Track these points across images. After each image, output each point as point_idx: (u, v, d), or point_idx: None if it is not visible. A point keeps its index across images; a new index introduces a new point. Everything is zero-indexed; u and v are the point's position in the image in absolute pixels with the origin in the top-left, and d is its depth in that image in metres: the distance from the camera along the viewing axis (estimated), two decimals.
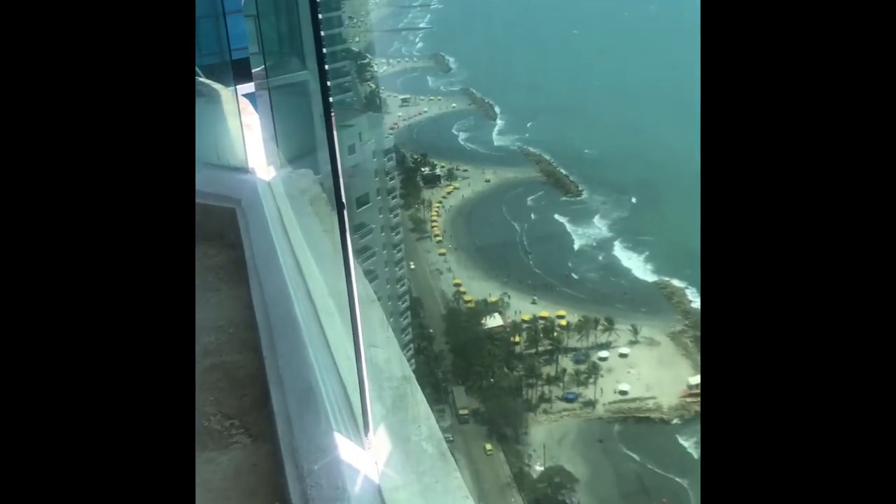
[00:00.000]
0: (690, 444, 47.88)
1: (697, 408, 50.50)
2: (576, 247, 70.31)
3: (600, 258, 68.44)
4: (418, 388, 2.74)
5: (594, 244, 70.62)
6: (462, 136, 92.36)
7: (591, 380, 53.14)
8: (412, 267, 62.03)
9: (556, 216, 74.68)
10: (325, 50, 2.44)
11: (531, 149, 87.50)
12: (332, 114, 2.36)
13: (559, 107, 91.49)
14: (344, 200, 2.42)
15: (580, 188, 79.10)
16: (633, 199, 74.99)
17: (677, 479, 45.64)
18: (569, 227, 73.10)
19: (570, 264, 67.41)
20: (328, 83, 2.40)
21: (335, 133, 2.35)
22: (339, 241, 2.42)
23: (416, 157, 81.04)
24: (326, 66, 2.43)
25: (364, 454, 2.41)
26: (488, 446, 48.09)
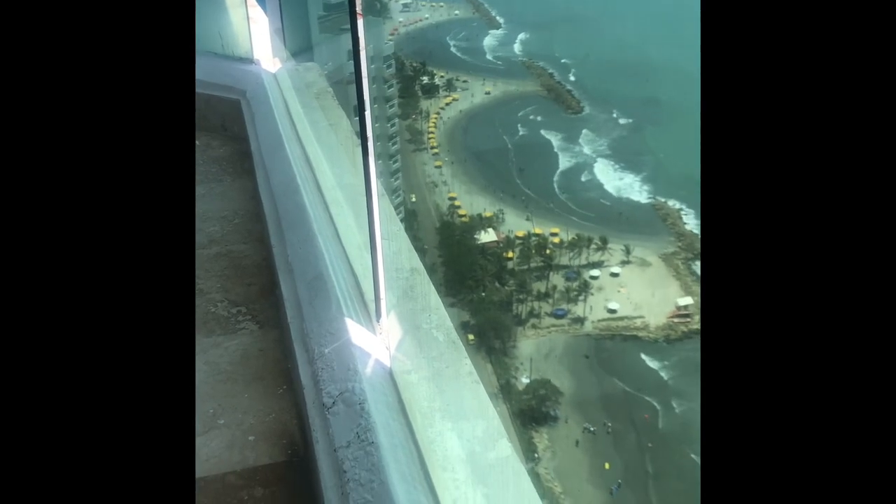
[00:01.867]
0: (658, 366, 49.16)
1: (684, 328, 51.62)
2: (573, 165, 69.86)
3: (596, 177, 68.14)
4: (428, 279, 2.75)
5: (591, 163, 70.17)
6: (463, 45, 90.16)
7: (581, 297, 53.84)
8: (413, 199, 61.53)
9: (555, 132, 73.83)
10: None
11: (534, 61, 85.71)
12: (359, 15, 2.26)
13: (565, 18, 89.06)
14: (366, 93, 2.35)
15: (581, 104, 77.95)
16: (634, 119, 74.03)
17: (646, 398, 46.97)
18: (567, 144, 72.43)
19: (561, 182, 67.15)
20: None
21: (360, 35, 2.26)
22: (359, 138, 2.36)
23: (415, 65, 79.29)
24: None
25: (375, 339, 2.43)
26: (471, 336, 49.10)
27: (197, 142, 4.97)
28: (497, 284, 55.02)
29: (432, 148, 71.17)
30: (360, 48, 2.26)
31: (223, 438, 2.55)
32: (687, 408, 45.60)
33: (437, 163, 69.16)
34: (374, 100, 2.39)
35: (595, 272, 56.42)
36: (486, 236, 58.49)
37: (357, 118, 2.40)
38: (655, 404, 46.58)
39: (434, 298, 2.63)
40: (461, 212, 61.80)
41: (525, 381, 48.41)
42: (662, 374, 48.95)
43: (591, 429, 45.48)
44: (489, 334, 50.39)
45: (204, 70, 5.09)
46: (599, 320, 53.06)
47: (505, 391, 47.24)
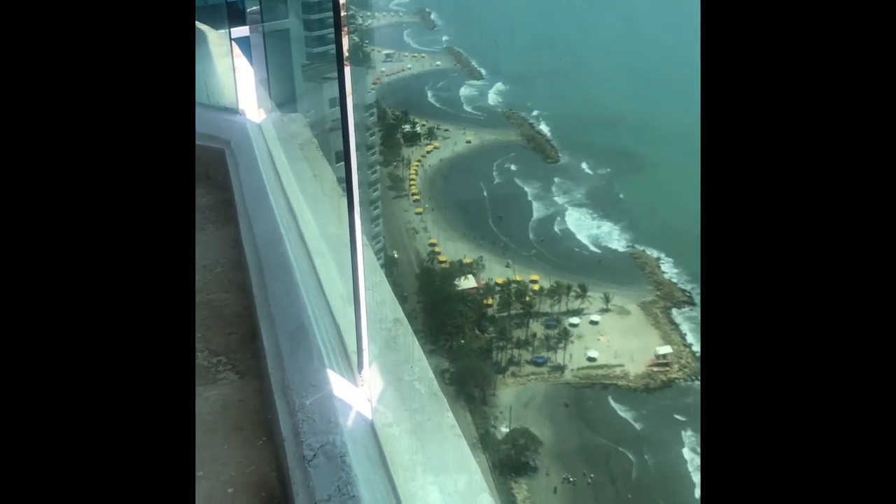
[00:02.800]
0: (636, 416, 49.02)
1: (663, 377, 51.60)
2: (551, 213, 70.48)
3: (574, 225, 68.73)
4: (410, 330, 2.77)
5: (569, 211, 70.84)
6: (443, 95, 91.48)
7: (561, 345, 53.76)
8: (395, 255, 61.45)
9: (534, 181, 74.62)
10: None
11: (514, 111, 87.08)
12: (346, 67, 2.31)
13: (546, 71, 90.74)
14: (353, 150, 2.40)
15: (559, 154, 79.07)
16: (611, 168, 75.08)
17: (620, 449, 46.68)
18: (544, 193, 73.18)
19: (539, 229, 67.66)
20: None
21: (347, 84, 2.31)
22: (345, 188, 2.40)
23: (397, 114, 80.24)
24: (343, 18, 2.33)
25: (357, 391, 2.44)
26: (447, 376, 48.81)
27: None
28: (477, 331, 54.85)
29: (413, 195, 71.62)
30: (347, 96, 2.31)
31: (202, 490, 2.52)
32: (664, 458, 45.42)
33: (418, 209, 69.54)
34: (356, 147, 2.44)
35: (575, 320, 56.47)
36: (466, 283, 58.50)
37: (339, 164, 2.44)
38: (631, 456, 46.26)
39: (416, 350, 2.65)
40: (441, 258, 61.90)
41: (504, 430, 47.93)
42: (640, 424, 48.73)
43: (571, 479, 44.98)
44: (468, 382, 49.99)
45: None
46: (579, 368, 52.90)
47: (484, 441, 46.70)
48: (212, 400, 3.04)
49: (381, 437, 2.23)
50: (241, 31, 5.87)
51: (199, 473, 2.58)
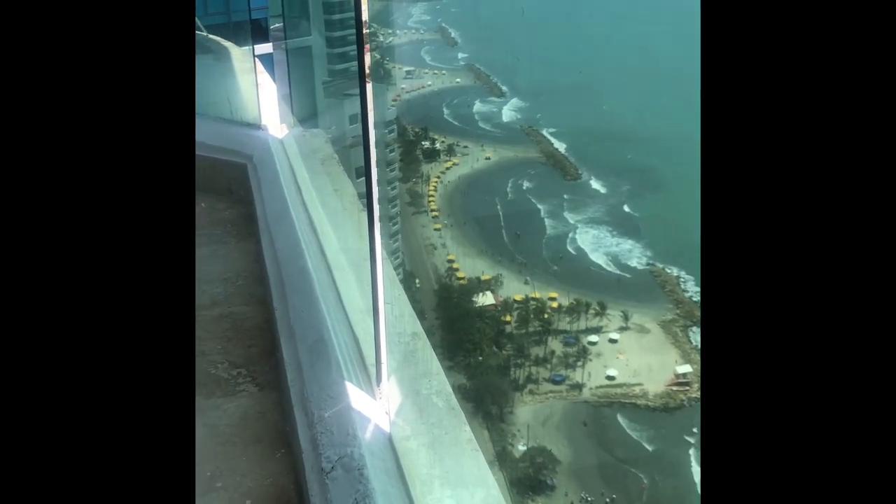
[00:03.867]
0: (655, 436, 48.50)
1: (683, 396, 51.05)
2: (569, 229, 70.31)
3: (594, 242, 68.49)
4: (428, 344, 2.78)
5: (588, 228, 70.61)
6: (463, 112, 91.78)
7: (580, 363, 53.39)
8: (417, 284, 61.34)
9: (553, 198, 74.53)
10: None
11: (533, 128, 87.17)
12: (368, 83, 2.34)
13: (566, 87, 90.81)
14: (374, 167, 2.42)
15: (579, 171, 78.95)
16: (631, 186, 74.85)
17: (632, 470, 46.12)
18: (563, 210, 73.04)
19: (557, 246, 67.43)
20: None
21: (369, 101, 2.34)
22: (365, 203, 2.43)
23: (417, 130, 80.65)
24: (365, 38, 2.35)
25: (375, 404, 2.45)
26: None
27: (203, 204, 5.05)
28: (495, 348, 54.65)
29: (432, 211, 71.77)
30: (368, 112, 2.33)
31: (220, 502, 2.54)
32: (679, 481, 44.91)
33: (437, 226, 69.63)
34: (376, 163, 2.47)
35: (593, 338, 56.04)
36: (484, 299, 58.38)
37: (359, 179, 2.47)
38: (644, 476, 45.68)
39: (434, 364, 2.66)
40: (459, 274, 61.86)
41: (522, 448, 47.61)
42: (659, 444, 48.17)
43: (589, 498, 44.54)
44: (486, 399, 49.75)
45: (212, 134, 5.22)
46: (598, 387, 52.44)
47: (501, 458, 46.39)
48: (231, 412, 3.07)
49: (399, 450, 2.24)
50: (265, 47, 5.97)
51: (217, 484, 2.60)
